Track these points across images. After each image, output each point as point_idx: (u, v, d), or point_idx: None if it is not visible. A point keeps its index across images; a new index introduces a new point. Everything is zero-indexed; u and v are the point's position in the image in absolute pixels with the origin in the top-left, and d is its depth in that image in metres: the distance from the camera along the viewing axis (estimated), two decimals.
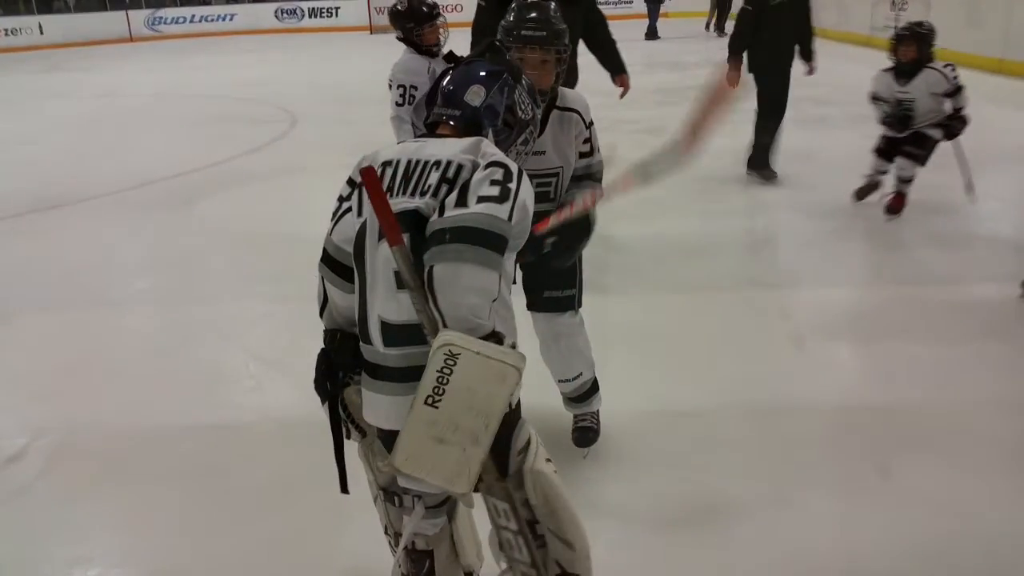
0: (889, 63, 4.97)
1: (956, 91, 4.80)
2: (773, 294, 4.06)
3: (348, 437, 1.71)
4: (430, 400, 1.35)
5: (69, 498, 2.67)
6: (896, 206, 4.99)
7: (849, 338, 3.54)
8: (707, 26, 17.78)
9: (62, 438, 3.02)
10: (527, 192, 1.51)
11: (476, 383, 1.35)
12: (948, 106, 4.86)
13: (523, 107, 1.75)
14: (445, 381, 1.34)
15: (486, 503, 1.58)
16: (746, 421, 2.94)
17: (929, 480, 2.54)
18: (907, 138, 4.95)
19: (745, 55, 5.80)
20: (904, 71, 4.83)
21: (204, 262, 4.97)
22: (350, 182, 1.63)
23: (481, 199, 1.44)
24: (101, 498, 2.66)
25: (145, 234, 5.57)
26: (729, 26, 17.21)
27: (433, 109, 1.74)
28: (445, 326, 1.39)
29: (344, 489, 1.73)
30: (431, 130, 1.73)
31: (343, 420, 1.69)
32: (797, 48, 5.77)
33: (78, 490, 2.70)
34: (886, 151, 5.08)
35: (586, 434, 2.77)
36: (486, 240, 1.41)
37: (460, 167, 1.50)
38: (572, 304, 2.58)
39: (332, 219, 1.64)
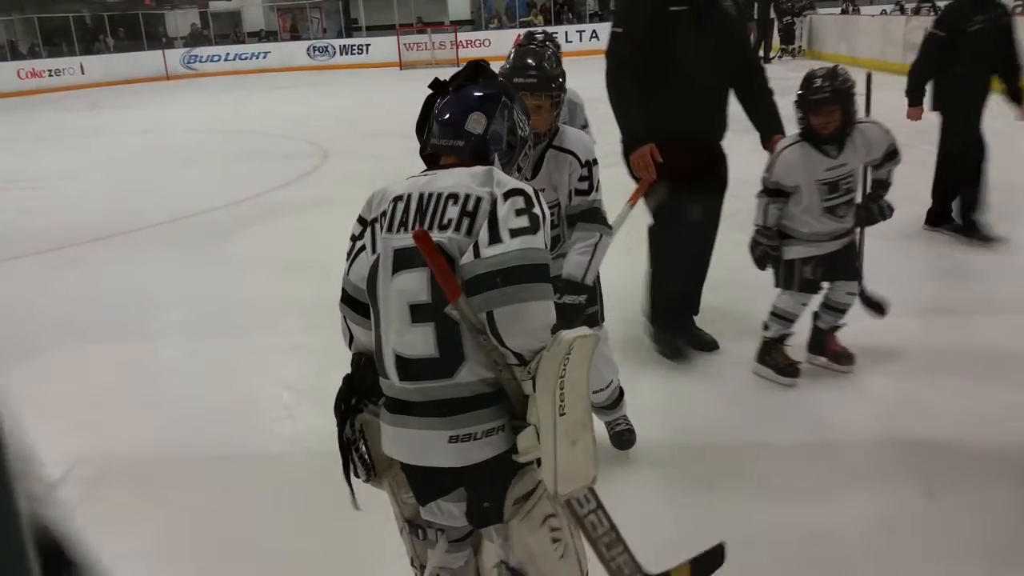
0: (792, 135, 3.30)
1: (895, 152, 3.26)
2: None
3: (356, 475, 1.70)
4: (562, 410, 1.39)
5: (105, 526, 2.70)
6: (845, 349, 3.49)
7: (886, 368, 3.51)
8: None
9: (99, 467, 3.08)
10: (546, 211, 1.55)
11: (574, 371, 1.40)
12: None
13: (521, 125, 1.74)
14: (562, 385, 1.39)
15: (568, 503, 1.58)
16: (778, 449, 2.93)
17: (966, 515, 2.50)
18: (844, 248, 3.36)
19: (929, 88, 5.00)
20: (830, 139, 3.18)
21: (237, 294, 5.05)
22: (361, 220, 1.63)
23: (515, 233, 1.46)
24: (137, 527, 2.70)
25: (180, 267, 5.68)
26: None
27: (430, 140, 1.71)
28: (524, 360, 1.44)
29: (355, 506, 1.68)
30: (431, 161, 1.72)
31: (352, 455, 1.67)
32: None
33: (115, 519, 2.75)
34: (817, 280, 3.37)
35: (625, 436, 2.91)
36: (536, 275, 1.45)
37: (479, 199, 1.51)
38: (597, 319, 2.72)
39: (347, 259, 1.65)
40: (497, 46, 21.92)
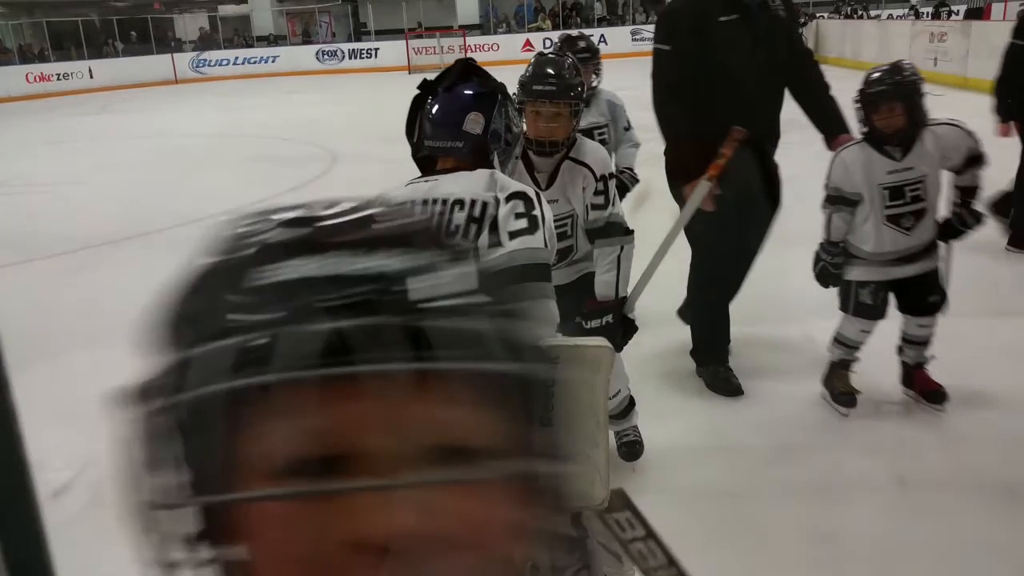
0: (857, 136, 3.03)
1: (979, 157, 2.92)
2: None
3: None
4: (542, 421, 1.34)
5: (113, 530, 2.71)
6: (937, 386, 3.14)
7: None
8: None
9: (108, 471, 3.07)
10: (549, 212, 1.54)
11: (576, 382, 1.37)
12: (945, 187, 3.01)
13: (516, 121, 1.73)
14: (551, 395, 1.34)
15: (604, 521, 1.55)
16: (788, 458, 2.92)
17: (974, 527, 2.49)
18: (919, 276, 3.00)
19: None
20: (893, 139, 2.89)
21: None
22: None
23: (513, 234, 1.47)
24: None
25: None
26: None
27: (423, 142, 1.68)
28: None
29: None
30: (426, 164, 1.69)
31: None
32: None
33: (124, 523, 2.75)
34: (879, 306, 3.04)
35: (633, 447, 2.87)
36: (535, 274, 1.45)
37: (485, 204, 1.51)
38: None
39: None
40: (505, 50, 21.95)
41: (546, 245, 1.49)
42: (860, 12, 20.74)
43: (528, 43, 22.32)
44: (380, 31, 26.65)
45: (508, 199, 1.51)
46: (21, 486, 0.37)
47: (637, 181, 3.79)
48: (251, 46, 26.56)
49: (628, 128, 3.74)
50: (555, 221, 2.38)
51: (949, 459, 2.85)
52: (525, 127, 2.49)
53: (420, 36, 24.22)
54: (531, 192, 1.54)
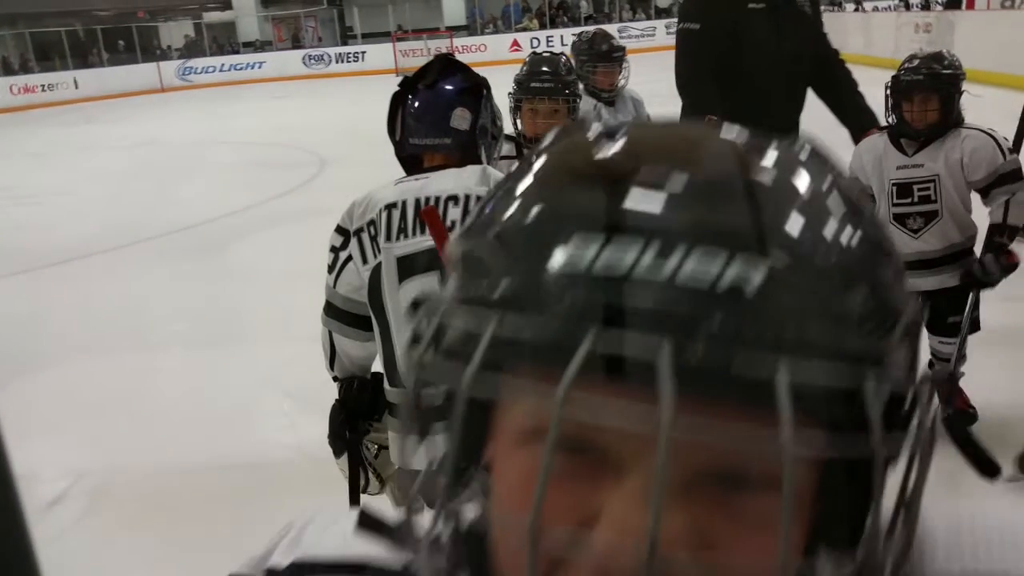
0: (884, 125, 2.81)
1: (1005, 178, 2.60)
2: None
3: (365, 489, 1.69)
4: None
5: (109, 539, 2.70)
6: (965, 407, 2.86)
7: None
8: None
9: (102, 480, 3.06)
10: None
11: None
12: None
13: (499, 113, 1.73)
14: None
15: None
16: None
17: None
18: (940, 291, 2.69)
19: None
20: (915, 134, 2.64)
21: (237, 303, 5.03)
22: (341, 231, 1.59)
23: None
24: (140, 539, 2.68)
25: (180, 278, 5.66)
26: None
27: (408, 140, 1.65)
28: None
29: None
30: (411, 162, 1.67)
31: (364, 467, 1.67)
32: None
33: (118, 532, 2.73)
34: None
35: None
36: None
37: (480, 199, 1.49)
38: None
39: (331, 272, 1.61)
40: (493, 51, 21.94)
41: None
42: (857, 6, 20.74)
43: (516, 43, 22.33)
44: (367, 34, 26.60)
45: None
46: (7, 501, 0.35)
47: None
48: (237, 52, 26.46)
49: None
50: None
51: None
52: (521, 125, 2.48)
53: (407, 38, 24.19)
54: None
